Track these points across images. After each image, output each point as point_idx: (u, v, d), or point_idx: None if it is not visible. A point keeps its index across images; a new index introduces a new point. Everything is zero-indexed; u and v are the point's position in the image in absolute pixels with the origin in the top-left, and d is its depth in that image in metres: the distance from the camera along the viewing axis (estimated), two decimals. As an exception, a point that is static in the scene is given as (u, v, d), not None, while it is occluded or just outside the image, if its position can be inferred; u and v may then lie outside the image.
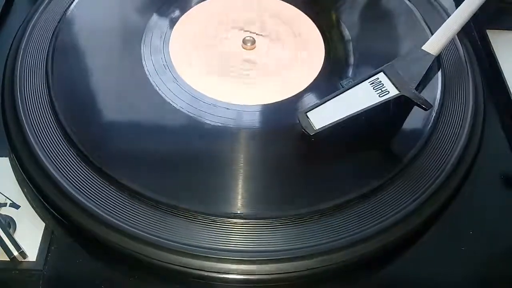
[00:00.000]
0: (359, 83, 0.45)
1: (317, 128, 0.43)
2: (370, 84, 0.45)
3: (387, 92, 0.44)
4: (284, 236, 0.39)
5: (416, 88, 0.45)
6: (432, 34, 0.50)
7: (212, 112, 0.47)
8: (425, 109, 0.44)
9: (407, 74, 0.45)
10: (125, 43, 0.52)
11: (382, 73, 0.46)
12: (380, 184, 0.42)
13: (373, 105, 0.44)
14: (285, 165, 0.44)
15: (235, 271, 0.38)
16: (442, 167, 0.44)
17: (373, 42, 0.54)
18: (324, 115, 0.43)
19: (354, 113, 0.43)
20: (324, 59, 0.52)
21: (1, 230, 0.37)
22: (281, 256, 0.38)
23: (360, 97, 0.44)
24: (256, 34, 0.54)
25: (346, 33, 0.55)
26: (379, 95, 0.44)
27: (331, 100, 0.44)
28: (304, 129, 0.43)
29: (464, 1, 0.50)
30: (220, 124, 0.46)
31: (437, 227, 0.42)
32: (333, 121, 0.43)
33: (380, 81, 0.45)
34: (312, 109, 0.44)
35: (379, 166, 0.44)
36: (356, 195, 0.41)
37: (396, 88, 0.45)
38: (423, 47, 0.48)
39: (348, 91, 0.45)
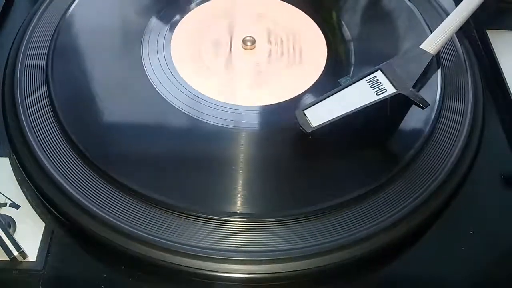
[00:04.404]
0: (357, 81, 0.45)
1: (314, 126, 0.43)
2: (368, 82, 0.45)
3: (385, 90, 0.44)
4: (284, 236, 0.39)
5: (414, 87, 0.45)
6: (432, 33, 0.50)
7: (213, 113, 0.47)
8: (422, 108, 0.44)
9: (404, 73, 0.45)
10: (125, 43, 0.52)
11: (379, 71, 0.46)
12: (380, 184, 0.42)
13: (370, 103, 0.43)
14: (285, 166, 0.44)
15: (235, 271, 0.38)
16: (442, 167, 0.44)
17: (375, 42, 0.54)
18: (321, 113, 0.43)
19: (351, 111, 0.43)
20: (326, 60, 0.52)
21: (1, 230, 0.37)
22: (281, 256, 0.38)
23: (357, 95, 0.44)
24: (257, 34, 0.54)
25: (347, 34, 0.55)
26: (376, 93, 0.44)
27: (329, 98, 0.44)
28: (301, 127, 0.43)
29: (463, 1, 0.50)
30: (220, 125, 0.46)
31: (437, 227, 0.42)
32: (330, 118, 0.43)
33: (378, 79, 0.45)
34: (310, 106, 0.44)
35: (378, 166, 0.44)
36: (356, 195, 0.41)
37: (394, 86, 0.44)
38: (421, 46, 0.48)
39: (346, 89, 0.45)
